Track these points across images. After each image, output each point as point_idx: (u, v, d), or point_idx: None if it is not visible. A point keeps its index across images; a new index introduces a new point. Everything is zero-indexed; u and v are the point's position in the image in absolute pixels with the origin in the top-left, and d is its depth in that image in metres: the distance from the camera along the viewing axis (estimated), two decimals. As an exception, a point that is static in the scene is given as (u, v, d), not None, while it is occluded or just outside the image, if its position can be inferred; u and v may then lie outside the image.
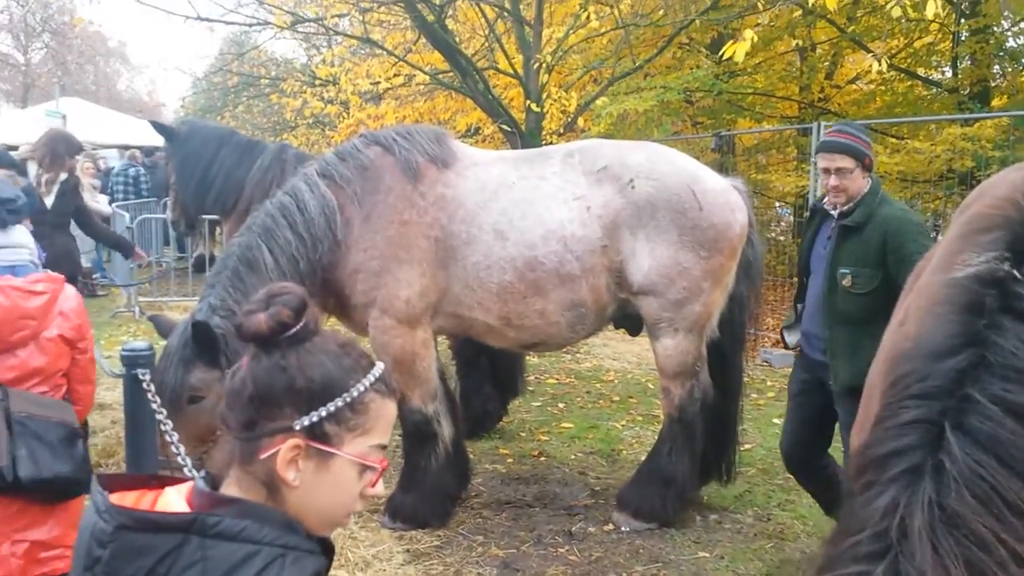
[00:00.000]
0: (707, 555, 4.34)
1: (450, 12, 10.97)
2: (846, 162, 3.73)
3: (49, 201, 6.41)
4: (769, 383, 7.91)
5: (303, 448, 1.28)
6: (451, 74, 11.11)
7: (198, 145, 6.65)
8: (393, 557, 4.28)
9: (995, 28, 11.78)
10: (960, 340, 1.44)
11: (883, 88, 12.99)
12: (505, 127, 10.21)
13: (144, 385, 3.09)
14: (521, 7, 10.87)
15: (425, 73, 11.71)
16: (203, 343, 3.68)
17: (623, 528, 4.60)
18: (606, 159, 4.57)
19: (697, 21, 10.56)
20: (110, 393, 6.28)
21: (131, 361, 3.19)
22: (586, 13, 10.12)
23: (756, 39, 5.84)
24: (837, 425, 4.01)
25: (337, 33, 12.54)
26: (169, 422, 2.88)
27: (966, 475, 1.27)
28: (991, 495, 1.26)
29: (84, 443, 3.00)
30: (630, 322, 4.86)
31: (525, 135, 9.95)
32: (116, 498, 1.26)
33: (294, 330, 1.30)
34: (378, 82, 12.51)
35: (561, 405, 7.14)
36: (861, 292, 3.69)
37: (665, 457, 4.63)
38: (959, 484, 1.26)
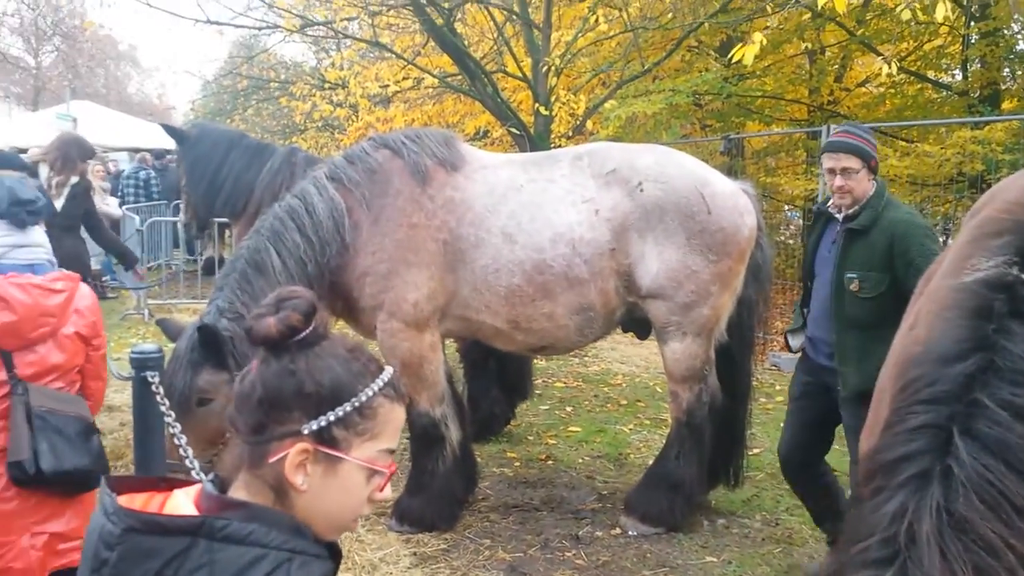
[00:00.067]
0: (715, 560, 4.33)
1: (459, 15, 10.98)
2: (852, 162, 3.70)
3: (58, 204, 6.46)
4: (778, 387, 7.86)
5: (311, 452, 1.28)
6: (460, 77, 11.14)
7: (208, 148, 6.67)
8: (400, 560, 4.29)
9: (1005, 31, 11.75)
10: (969, 345, 1.44)
11: (893, 91, 12.95)
12: (514, 130, 10.23)
13: (153, 387, 3.11)
14: (530, 10, 10.89)
15: (434, 76, 11.74)
16: (209, 347, 3.70)
17: (630, 532, 4.59)
18: (615, 162, 4.56)
19: (706, 24, 10.53)
20: (119, 395, 6.31)
21: (140, 363, 3.19)
22: (595, 16, 10.14)
23: (765, 42, 5.82)
24: (837, 430, 3.98)
25: (346, 36, 12.60)
26: (178, 425, 2.90)
27: (974, 480, 1.27)
28: (999, 500, 1.25)
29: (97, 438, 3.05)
30: (638, 325, 4.85)
31: (534, 138, 9.96)
32: (124, 500, 1.26)
33: (303, 334, 1.30)
34: (387, 85, 12.57)
35: (569, 409, 7.13)
36: (868, 296, 3.66)
37: (673, 461, 4.62)
38: (967, 489, 1.26)
